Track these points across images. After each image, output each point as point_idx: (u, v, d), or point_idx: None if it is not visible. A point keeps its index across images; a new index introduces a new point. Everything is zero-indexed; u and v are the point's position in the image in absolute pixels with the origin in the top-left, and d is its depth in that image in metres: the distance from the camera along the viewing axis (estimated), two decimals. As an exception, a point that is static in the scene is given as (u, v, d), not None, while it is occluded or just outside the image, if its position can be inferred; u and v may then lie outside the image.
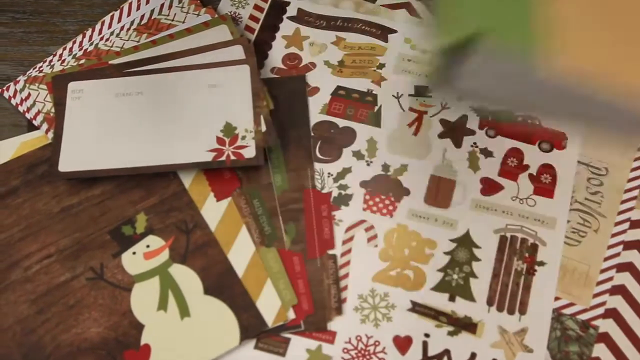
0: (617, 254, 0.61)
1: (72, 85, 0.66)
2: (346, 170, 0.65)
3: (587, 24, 0.42)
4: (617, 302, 0.60)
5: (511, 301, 0.60)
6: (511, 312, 0.59)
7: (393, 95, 0.67)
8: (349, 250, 0.62)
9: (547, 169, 0.65)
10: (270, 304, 0.59)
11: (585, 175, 0.64)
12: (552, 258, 0.61)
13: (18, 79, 0.69)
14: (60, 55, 0.70)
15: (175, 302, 0.59)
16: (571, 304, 0.60)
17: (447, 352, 0.58)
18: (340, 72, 0.69)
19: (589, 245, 0.62)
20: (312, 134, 0.66)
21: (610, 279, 0.60)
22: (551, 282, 0.60)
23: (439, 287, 0.60)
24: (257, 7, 0.73)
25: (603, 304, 0.60)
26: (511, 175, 0.64)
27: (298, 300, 0.59)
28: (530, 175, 0.64)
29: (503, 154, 0.65)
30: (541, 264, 0.61)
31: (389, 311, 0.59)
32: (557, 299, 0.60)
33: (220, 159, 0.62)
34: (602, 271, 0.61)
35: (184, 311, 0.58)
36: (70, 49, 0.71)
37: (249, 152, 0.63)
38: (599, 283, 0.60)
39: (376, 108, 0.67)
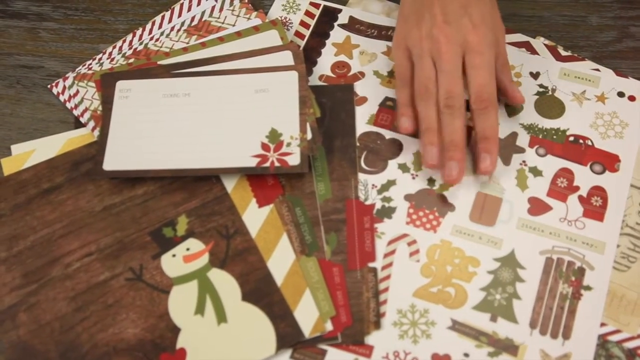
0: (668, 283, 0.59)
1: (120, 84, 0.67)
2: (391, 183, 0.64)
3: None
4: (666, 332, 0.58)
5: (555, 325, 0.58)
6: (554, 336, 0.58)
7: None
8: (390, 264, 0.61)
9: (598, 191, 0.63)
10: (308, 314, 0.58)
11: (638, 199, 0.63)
12: (600, 283, 0.59)
13: (67, 76, 0.70)
14: (110, 54, 0.71)
15: (213, 307, 0.58)
16: (617, 331, 0.58)
17: (486, 373, 0.57)
18: (389, 83, 0.68)
19: (638, 271, 0.60)
20: (358, 144, 0.65)
21: (660, 308, 0.59)
22: (598, 307, 0.59)
23: (480, 307, 0.59)
24: (308, 14, 0.73)
25: (651, 333, 0.58)
26: (560, 195, 0.63)
27: (336, 311, 0.58)
28: (580, 197, 0.63)
29: (553, 173, 0.64)
30: (588, 288, 0.59)
31: (429, 328, 0.58)
32: (603, 325, 0.58)
33: (264, 165, 0.62)
34: (652, 299, 0.59)
35: (221, 317, 0.58)
36: (120, 48, 0.71)
37: (294, 160, 0.62)
38: (648, 311, 0.59)
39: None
